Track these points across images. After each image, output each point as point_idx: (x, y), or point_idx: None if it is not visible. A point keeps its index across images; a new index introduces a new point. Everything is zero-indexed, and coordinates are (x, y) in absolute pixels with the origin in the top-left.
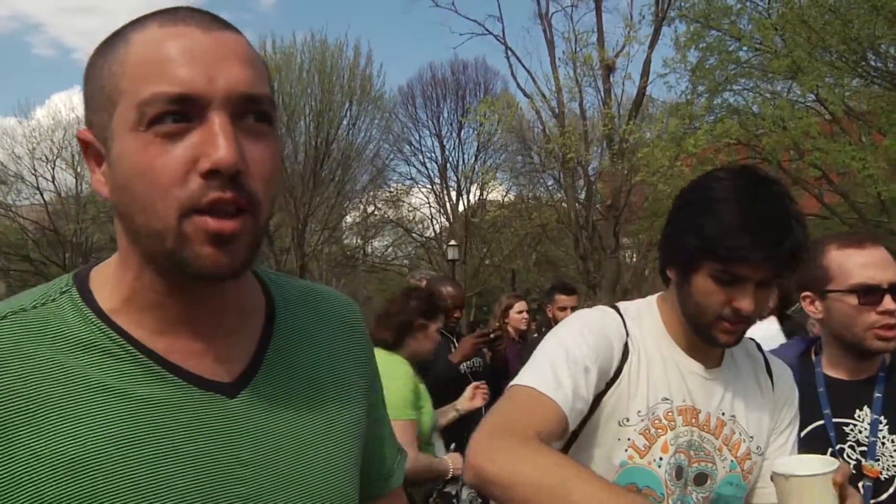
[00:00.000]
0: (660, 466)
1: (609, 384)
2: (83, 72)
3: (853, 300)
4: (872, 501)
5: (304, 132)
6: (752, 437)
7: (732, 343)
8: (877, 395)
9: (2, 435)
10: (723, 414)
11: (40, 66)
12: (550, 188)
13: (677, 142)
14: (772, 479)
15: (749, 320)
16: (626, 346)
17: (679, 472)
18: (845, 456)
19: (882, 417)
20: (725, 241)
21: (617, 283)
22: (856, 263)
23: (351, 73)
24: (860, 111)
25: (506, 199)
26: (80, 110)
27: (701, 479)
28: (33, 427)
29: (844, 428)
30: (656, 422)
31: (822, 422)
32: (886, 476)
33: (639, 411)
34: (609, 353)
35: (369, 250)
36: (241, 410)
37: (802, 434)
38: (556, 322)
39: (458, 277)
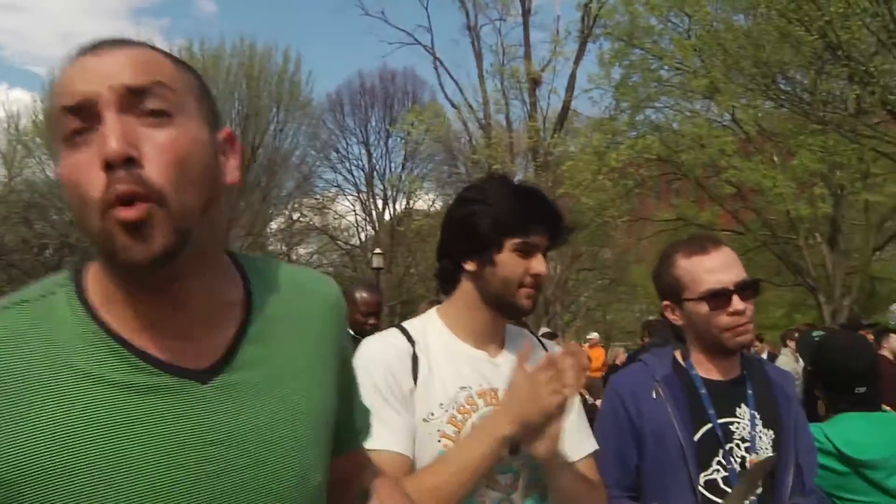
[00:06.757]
0: None
1: (412, 394)
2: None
3: (704, 307)
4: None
5: None
6: None
7: (532, 307)
8: (749, 391)
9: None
10: None
11: None
12: None
13: (600, 156)
14: None
15: (542, 286)
16: (414, 356)
17: None
18: (733, 454)
19: (756, 413)
20: (523, 217)
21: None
22: (703, 269)
23: (279, 79)
24: (772, 132)
25: (432, 209)
26: None
27: (513, 448)
28: (22, 404)
29: (730, 426)
30: (460, 408)
31: (710, 425)
32: None
33: (441, 404)
34: (400, 374)
35: (294, 257)
36: (213, 395)
37: (696, 438)
38: None
39: (382, 286)
